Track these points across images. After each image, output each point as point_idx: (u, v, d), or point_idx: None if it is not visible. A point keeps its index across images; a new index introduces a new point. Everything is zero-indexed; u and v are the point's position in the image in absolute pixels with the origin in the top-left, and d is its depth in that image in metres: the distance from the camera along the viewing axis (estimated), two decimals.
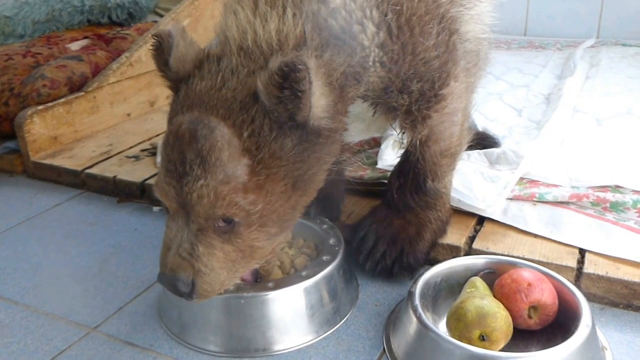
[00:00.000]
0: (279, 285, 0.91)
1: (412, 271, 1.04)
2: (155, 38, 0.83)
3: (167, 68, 0.83)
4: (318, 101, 0.76)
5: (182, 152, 0.76)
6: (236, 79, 0.78)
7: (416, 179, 1.05)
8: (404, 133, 1.03)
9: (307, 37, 0.80)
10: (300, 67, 0.71)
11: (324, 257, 0.98)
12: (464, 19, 1.00)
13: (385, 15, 0.85)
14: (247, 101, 0.77)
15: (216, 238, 0.80)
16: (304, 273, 0.94)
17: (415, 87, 0.92)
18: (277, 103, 0.75)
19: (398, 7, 0.85)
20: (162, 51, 0.83)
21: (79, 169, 1.52)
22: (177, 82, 0.84)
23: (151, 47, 0.84)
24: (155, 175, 1.45)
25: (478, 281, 0.91)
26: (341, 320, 0.96)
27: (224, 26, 0.85)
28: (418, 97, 0.93)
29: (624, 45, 2.34)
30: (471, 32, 1.06)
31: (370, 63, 0.87)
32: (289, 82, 0.72)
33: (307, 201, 0.87)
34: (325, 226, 1.07)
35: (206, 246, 0.80)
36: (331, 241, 1.02)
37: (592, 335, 0.81)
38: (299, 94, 0.73)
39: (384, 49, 0.87)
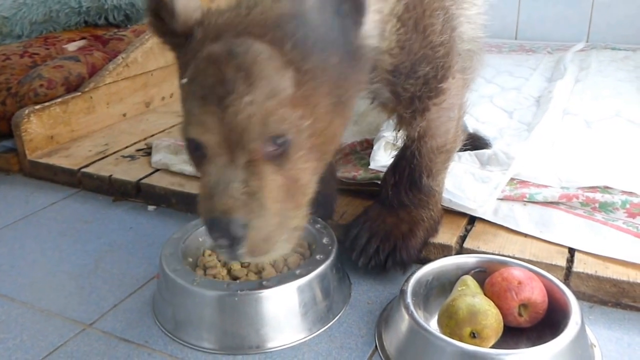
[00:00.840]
0: (272, 283, 0.92)
1: (405, 266, 1.05)
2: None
3: (172, 22, 0.77)
4: (373, 17, 0.73)
5: (220, 73, 0.69)
6: (262, 5, 0.75)
7: (412, 175, 1.06)
8: (399, 129, 1.04)
9: None
10: None
11: (318, 256, 0.98)
12: (461, 20, 1.03)
13: None
14: (282, 19, 0.73)
15: (267, 167, 0.72)
16: (297, 272, 0.95)
17: (422, 71, 0.93)
18: (333, 18, 0.71)
19: None
20: (161, 9, 0.78)
21: (75, 168, 1.53)
22: (187, 34, 0.78)
23: (147, 11, 0.79)
24: (151, 174, 1.46)
25: (469, 280, 0.92)
26: (334, 318, 0.97)
27: None
28: (422, 86, 0.94)
29: (613, 49, 2.37)
30: (467, 33, 1.08)
31: (387, 34, 0.87)
32: None
33: (342, 133, 0.84)
34: (319, 226, 1.08)
35: (258, 177, 0.72)
36: (324, 240, 1.03)
37: (581, 333, 0.82)
38: (361, 7, 0.70)
39: (401, 20, 0.87)
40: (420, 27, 0.90)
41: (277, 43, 0.71)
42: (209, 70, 0.71)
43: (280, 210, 0.74)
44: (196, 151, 0.75)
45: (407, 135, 1.03)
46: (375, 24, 0.76)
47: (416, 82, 0.94)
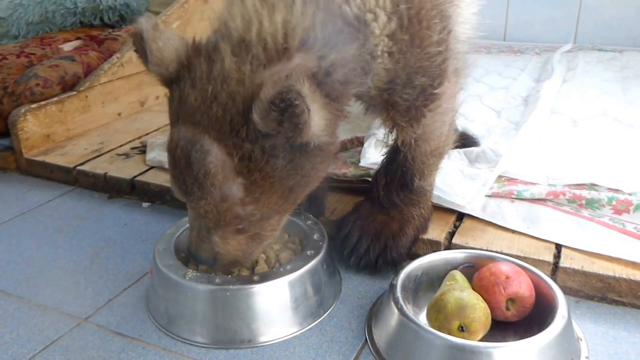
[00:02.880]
0: (264, 278, 0.93)
1: (396, 265, 1.06)
2: (132, 39, 0.81)
3: (150, 68, 0.81)
4: (317, 124, 0.74)
5: (181, 174, 0.79)
6: (227, 92, 0.75)
7: (404, 178, 1.06)
8: (391, 132, 1.03)
9: (317, 30, 0.77)
10: (296, 101, 0.69)
11: (308, 252, 0.99)
12: (458, 19, 1.02)
13: (397, 6, 0.85)
14: (238, 121, 0.75)
15: (227, 232, 0.86)
16: (288, 267, 0.95)
17: (419, 81, 0.92)
18: (276, 133, 0.74)
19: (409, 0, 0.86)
20: (139, 52, 0.81)
21: (71, 166, 1.53)
22: (168, 81, 0.83)
23: (134, 50, 0.82)
24: (145, 172, 1.47)
25: (458, 274, 0.93)
26: (325, 313, 0.98)
27: (226, 15, 0.80)
28: (419, 94, 0.94)
29: (599, 50, 2.39)
30: (462, 33, 1.07)
31: (379, 52, 0.87)
32: (288, 116, 0.70)
33: (305, 196, 0.90)
34: (310, 222, 1.09)
35: (220, 237, 0.87)
36: (315, 236, 1.04)
37: (568, 327, 0.83)
38: (300, 125, 0.71)
39: (394, 39, 0.87)
40: (416, 42, 0.89)
41: (230, 150, 0.76)
42: (175, 167, 0.80)
43: (245, 249, 0.90)
44: None
45: (402, 141, 1.03)
46: (324, 124, 0.76)
47: (413, 91, 0.93)
